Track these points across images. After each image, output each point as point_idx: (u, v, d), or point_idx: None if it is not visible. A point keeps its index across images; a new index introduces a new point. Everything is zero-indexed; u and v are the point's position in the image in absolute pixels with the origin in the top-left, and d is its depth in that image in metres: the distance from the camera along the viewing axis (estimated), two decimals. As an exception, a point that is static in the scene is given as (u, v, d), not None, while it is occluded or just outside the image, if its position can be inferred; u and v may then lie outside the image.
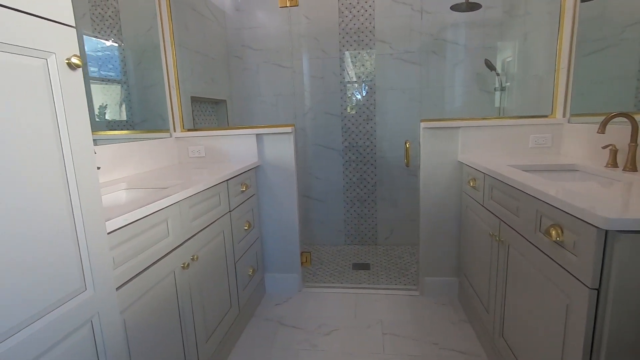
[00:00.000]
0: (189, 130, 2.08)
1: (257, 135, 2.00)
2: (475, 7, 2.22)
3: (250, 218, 1.91)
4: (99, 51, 1.63)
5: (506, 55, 2.46)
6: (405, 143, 2.00)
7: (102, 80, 1.63)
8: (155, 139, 1.87)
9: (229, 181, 1.62)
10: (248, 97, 2.84)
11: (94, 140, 1.54)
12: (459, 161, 1.87)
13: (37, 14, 0.62)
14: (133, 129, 1.77)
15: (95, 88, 1.58)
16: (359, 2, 2.60)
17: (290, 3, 1.89)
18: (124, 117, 1.73)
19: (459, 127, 1.83)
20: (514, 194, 1.17)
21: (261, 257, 2.11)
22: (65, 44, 0.67)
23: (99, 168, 1.36)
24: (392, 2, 2.56)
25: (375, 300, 2.00)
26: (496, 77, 2.49)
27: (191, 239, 1.28)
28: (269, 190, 2.07)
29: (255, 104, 2.85)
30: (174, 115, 2.05)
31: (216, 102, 2.66)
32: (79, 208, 0.72)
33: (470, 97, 2.62)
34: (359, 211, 2.91)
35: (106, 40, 1.65)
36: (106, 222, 0.83)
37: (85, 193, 0.74)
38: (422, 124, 1.87)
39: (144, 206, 0.98)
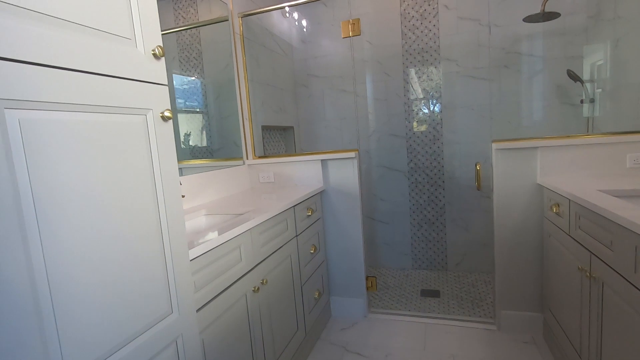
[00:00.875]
0: (260, 157, 2.23)
1: (322, 160, 2.07)
2: (553, 16, 2.06)
3: (315, 242, 1.96)
4: (185, 85, 1.87)
5: (596, 59, 2.21)
6: (476, 165, 1.89)
7: (187, 111, 1.86)
8: (231, 166, 2.04)
9: (295, 207, 1.69)
10: (314, 122, 2.96)
11: (179, 169, 1.77)
12: (538, 184, 1.71)
13: (139, 78, 0.74)
14: (212, 157, 1.97)
15: (181, 117, 1.80)
16: (422, 23, 2.58)
17: (352, 33, 1.96)
18: (205, 144, 1.94)
19: (537, 147, 1.69)
20: (607, 225, 1.04)
21: (327, 280, 2.13)
22: (160, 100, 0.79)
23: (183, 196, 1.53)
24: (457, 19, 2.50)
25: (447, 332, 1.89)
26: (583, 88, 2.26)
27: (261, 264, 1.36)
28: (334, 214, 2.11)
29: (320, 128, 2.95)
30: (247, 144, 2.23)
31: (284, 129, 2.82)
32: (167, 237, 0.82)
33: (550, 111, 2.40)
34: (426, 234, 2.80)
35: (191, 76, 1.88)
36: (189, 250, 0.93)
37: (173, 223, 0.84)
38: (494, 145, 1.76)
39: (221, 235, 1.08)
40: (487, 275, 2.61)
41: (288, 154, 2.16)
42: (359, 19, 1.94)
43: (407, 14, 2.62)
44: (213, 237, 1.06)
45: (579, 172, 1.65)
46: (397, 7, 2.63)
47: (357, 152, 2.02)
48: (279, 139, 2.73)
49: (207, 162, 1.93)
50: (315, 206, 1.98)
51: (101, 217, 0.66)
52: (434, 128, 2.67)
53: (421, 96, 2.68)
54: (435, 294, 2.38)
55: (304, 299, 1.75)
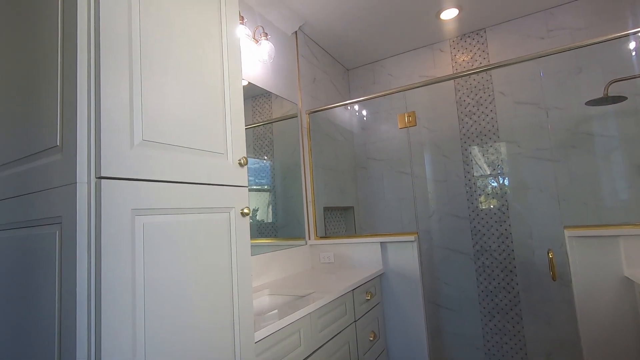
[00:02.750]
0: (321, 237, 2.34)
1: (381, 243, 2.10)
2: (619, 100, 2.03)
3: (375, 328, 1.90)
4: (256, 164, 2.13)
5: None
6: (548, 253, 1.77)
7: (257, 189, 2.08)
8: (294, 246, 2.17)
9: (354, 290, 1.71)
10: (373, 203, 3.05)
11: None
12: (626, 277, 1.53)
13: (227, 183, 0.92)
14: (276, 234, 2.11)
15: (251, 195, 2.02)
16: (479, 109, 2.69)
17: (408, 124, 2.12)
18: (270, 220, 2.11)
19: (619, 235, 1.55)
20: None
21: (387, 372, 2.00)
22: (241, 199, 0.96)
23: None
24: (514, 103, 2.56)
25: None
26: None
27: (319, 350, 1.37)
28: (394, 299, 2.06)
29: (379, 208, 3.02)
30: (310, 225, 2.36)
31: (345, 209, 2.94)
32: (237, 322, 0.92)
33: (634, 193, 2.21)
34: (500, 326, 2.53)
35: (263, 159, 2.15)
36: (256, 332, 1.01)
37: (244, 308, 0.94)
38: (567, 232, 1.66)
39: (282, 318, 1.15)
40: (580, 382, 2.22)
41: (348, 235, 2.24)
42: (414, 112, 2.11)
43: (462, 101, 2.76)
44: (274, 320, 1.13)
45: (676, 265, 1.46)
46: (452, 95, 2.80)
47: (416, 235, 2.03)
48: (339, 219, 2.84)
49: (272, 241, 2.07)
50: (375, 290, 1.97)
51: (184, 309, 0.79)
52: (499, 209, 2.58)
53: (487, 172, 2.66)
54: (515, 400, 2.07)
55: (362, 393, 1.66)
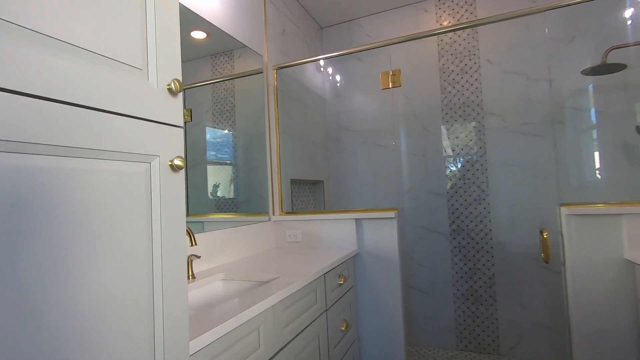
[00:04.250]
0: (287, 213, 2.04)
1: (357, 220, 1.84)
2: (618, 68, 1.87)
3: (347, 316, 1.67)
4: (217, 138, 1.78)
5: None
6: (541, 233, 1.60)
7: (217, 163, 1.75)
8: (255, 222, 1.85)
9: (327, 274, 1.44)
10: (345, 178, 2.79)
11: (200, 223, 1.61)
12: (627, 260, 1.39)
13: (145, 117, 0.58)
14: (237, 210, 1.80)
15: (210, 169, 1.69)
16: (463, 77, 2.46)
17: (392, 85, 1.84)
18: (232, 195, 1.79)
19: (622, 214, 1.39)
20: None
21: (358, 363, 1.79)
22: (171, 145, 0.63)
23: (199, 257, 1.34)
24: (502, 73, 2.36)
25: None
26: (655, 147, 1.97)
27: (284, 349, 1.09)
28: (369, 283, 1.83)
29: (352, 184, 2.77)
30: (274, 198, 2.05)
31: (314, 183, 2.65)
32: (161, 330, 0.60)
33: (617, 172, 2.11)
34: (473, 309, 2.41)
35: (222, 129, 1.79)
36: (192, 341, 0.70)
37: (172, 310, 0.63)
38: (565, 210, 1.48)
39: (235, 316, 0.85)
40: (552, 366, 2.15)
41: (318, 210, 1.96)
42: (399, 70, 1.83)
43: (446, 69, 2.52)
44: (225, 317, 0.83)
45: (680, 248, 1.33)
46: (435, 62, 2.55)
47: (396, 211, 1.79)
48: (307, 194, 2.55)
49: (231, 216, 1.75)
50: (348, 272, 1.72)
51: (39, 316, 0.46)
52: (478, 187, 2.41)
53: (450, 153, 2.47)
54: (490, 388, 1.95)
55: (332, 391, 1.42)
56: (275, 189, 2.06)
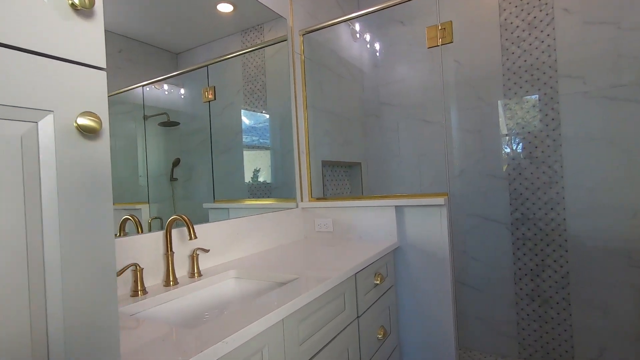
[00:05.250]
0: (317, 199, 1.80)
1: (397, 207, 1.55)
2: None
3: (385, 321, 1.40)
4: (249, 120, 1.62)
5: None
6: (649, 225, 1.20)
7: (250, 147, 1.59)
8: (281, 209, 1.63)
9: (359, 273, 1.19)
10: (385, 159, 2.48)
11: (226, 209, 1.43)
12: None
13: (23, 46, 0.35)
14: (270, 197, 1.62)
15: (242, 152, 1.54)
16: (531, 34, 2.01)
17: (441, 41, 1.49)
18: (265, 181, 1.63)
19: None
20: None
21: (400, 374, 1.53)
22: (74, 95, 0.39)
23: (207, 251, 1.14)
24: (583, 24, 1.88)
25: None
26: None
27: (299, 372, 0.86)
28: (412, 282, 1.54)
29: (393, 167, 2.45)
30: (302, 183, 1.82)
31: (350, 166, 2.38)
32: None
33: None
34: (540, 312, 2.03)
35: (254, 110, 1.62)
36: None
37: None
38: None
39: (229, 337, 0.62)
40: (647, 388, 1.74)
41: (353, 196, 1.70)
42: (450, 22, 1.47)
43: (508, 24, 2.08)
44: (209, 341, 0.61)
45: None
46: (494, 16, 2.11)
47: (447, 197, 1.47)
48: (342, 178, 2.29)
49: (256, 202, 1.56)
50: (387, 270, 1.45)
51: None
52: (549, 167, 1.98)
53: (513, 128, 2.04)
54: (564, 411, 1.60)
55: (366, 413, 1.18)
56: (303, 171, 1.82)
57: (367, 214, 1.62)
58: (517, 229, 2.07)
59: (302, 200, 1.81)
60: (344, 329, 1.07)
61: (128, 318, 0.78)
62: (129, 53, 1.05)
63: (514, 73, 2.07)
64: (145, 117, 1.10)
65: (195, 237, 0.97)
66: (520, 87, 2.05)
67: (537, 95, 2.00)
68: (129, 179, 1.05)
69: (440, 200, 1.44)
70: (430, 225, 1.49)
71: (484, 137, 2.17)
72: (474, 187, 2.19)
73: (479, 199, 2.17)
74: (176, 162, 1.19)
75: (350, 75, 2.44)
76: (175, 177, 1.17)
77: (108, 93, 1.02)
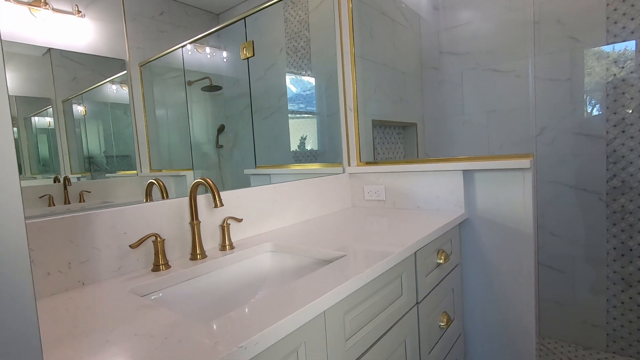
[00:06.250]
0: (367, 164, 1.57)
1: (465, 172, 1.28)
2: None
3: (448, 306, 1.19)
4: (294, 80, 1.44)
5: None
6: None
7: (295, 111, 1.44)
8: (325, 175, 1.44)
9: (419, 252, 0.97)
10: (446, 118, 2.15)
11: (268, 175, 1.28)
12: None
13: None
14: (315, 162, 1.46)
15: (287, 116, 1.40)
16: (654, -57, 1.52)
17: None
18: (311, 146, 1.48)
19: None
20: None
21: (463, 364, 1.32)
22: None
23: (240, 220, 0.99)
24: None
25: None
26: None
27: (346, 373, 0.69)
28: (482, 260, 1.29)
29: (455, 127, 2.12)
30: (350, 146, 1.60)
31: (404, 127, 2.10)
32: None
33: None
34: (638, 300, 1.67)
35: (298, 69, 1.45)
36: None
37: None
38: None
39: (260, 333, 0.45)
40: None
41: (409, 160, 1.45)
42: None
43: None
44: (233, 340, 0.44)
45: None
46: None
47: (532, 158, 1.16)
48: (395, 141, 2.02)
49: (297, 167, 1.39)
50: (451, 247, 1.21)
51: None
52: (666, 122, 1.55)
53: (614, 72, 1.59)
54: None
55: (425, 412, 1.00)
56: (351, 132, 1.59)
57: (427, 179, 1.36)
58: (615, 200, 1.69)
59: (349, 165, 1.59)
60: (400, 319, 0.88)
61: (137, 299, 0.65)
62: (171, 16, 0.98)
63: (624, 0, 1.60)
64: (189, 83, 1.04)
65: (221, 205, 0.80)
66: (632, 19, 1.59)
67: (656, 28, 1.54)
68: (176, 146, 0.99)
69: (525, 162, 1.14)
70: (509, 194, 1.21)
71: (574, 86, 1.75)
72: (558, 148, 1.81)
73: (564, 163, 1.80)
74: (221, 129, 1.13)
75: (406, 20, 2.10)
76: (220, 144, 1.08)
77: (151, 57, 0.93)
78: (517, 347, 1.26)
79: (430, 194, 1.36)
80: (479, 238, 1.29)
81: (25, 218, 0.24)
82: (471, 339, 1.35)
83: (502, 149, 1.96)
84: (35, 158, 0.72)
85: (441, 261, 1.09)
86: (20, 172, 0.68)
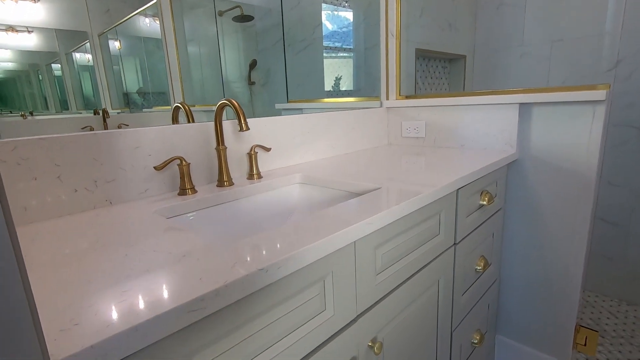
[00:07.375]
0: (407, 97, 1.43)
1: (522, 105, 1.12)
2: None
3: (487, 251, 1.11)
4: (333, 24, 1.27)
5: None
6: None
7: (331, 46, 1.30)
8: (361, 108, 1.33)
9: (461, 190, 0.88)
10: (501, 49, 1.89)
11: (299, 109, 1.20)
12: None
13: None
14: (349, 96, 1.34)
15: (322, 50, 1.26)
16: None
17: None
18: (347, 81, 1.34)
19: None
20: None
21: (494, 310, 1.28)
22: None
23: (268, 149, 0.93)
24: None
25: None
26: None
27: (374, 308, 0.65)
28: (530, 205, 1.18)
29: (512, 60, 1.87)
30: (389, 77, 1.45)
31: (451, 60, 1.88)
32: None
33: None
34: None
35: (341, 6, 1.27)
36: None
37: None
38: None
39: (281, 258, 0.41)
40: None
41: (456, 92, 1.29)
42: None
43: None
44: (248, 267, 0.40)
45: None
46: None
47: (608, 90, 0.98)
48: (440, 74, 1.83)
49: (331, 101, 1.28)
50: (497, 188, 1.11)
51: None
52: None
53: None
54: None
55: (452, 350, 0.99)
56: (391, 63, 1.44)
57: (474, 115, 1.22)
58: (697, 146, 1.46)
59: (387, 99, 1.46)
60: (435, 258, 0.82)
61: (162, 220, 0.63)
62: None
63: None
64: (219, 13, 0.95)
65: (247, 128, 0.74)
66: None
67: None
68: (208, 82, 0.93)
69: (598, 94, 0.96)
70: (573, 132, 1.05)
71: (670, 8, 1.44)
72: (633, 85, 1.55)
73: (637, 105, 1.55)
74: (253, 64, 1.04)
75: None
76: (252, 80, 1.00)
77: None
78: (558, 299, 1.19)
79: (478, 131, 1.22)
80: (528, 181, 1.17)
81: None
82: (506, 287, 1.29)
83: (564, 83, 1.72)
84: (79, 94, 0.74)
85: (484, 203, 1.00)
86: (67, 108, 0.71)
